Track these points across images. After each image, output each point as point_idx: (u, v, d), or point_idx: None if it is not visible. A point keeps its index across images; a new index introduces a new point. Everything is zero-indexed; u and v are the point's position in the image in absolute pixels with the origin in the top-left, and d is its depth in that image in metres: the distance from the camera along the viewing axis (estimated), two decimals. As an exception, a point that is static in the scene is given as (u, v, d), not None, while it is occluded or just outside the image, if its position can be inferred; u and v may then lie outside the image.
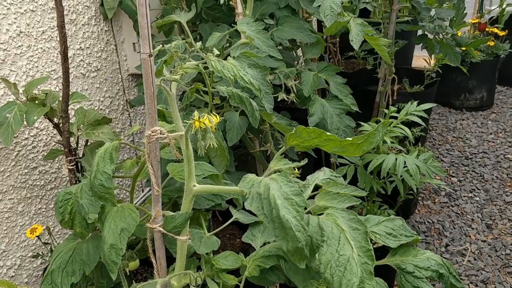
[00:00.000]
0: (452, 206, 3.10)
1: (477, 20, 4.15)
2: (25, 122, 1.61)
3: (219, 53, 1.19)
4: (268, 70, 1.45)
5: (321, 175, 1.05)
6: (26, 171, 1.97)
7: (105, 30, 2.34)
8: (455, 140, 3.83)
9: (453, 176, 3.39)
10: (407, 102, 3.24)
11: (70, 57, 2.15)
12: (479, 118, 4.14)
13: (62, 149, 1.81)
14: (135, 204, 1.13)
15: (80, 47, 2.20)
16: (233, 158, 1.71)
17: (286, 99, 1.74)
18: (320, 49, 1.90)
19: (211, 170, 1.19)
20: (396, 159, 1.92)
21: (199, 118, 0.92)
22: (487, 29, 4.11)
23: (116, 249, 0.99)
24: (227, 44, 1.76)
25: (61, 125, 1.75)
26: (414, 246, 1.12)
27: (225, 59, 1.60)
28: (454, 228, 2.91)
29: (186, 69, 1.01)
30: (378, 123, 2.25)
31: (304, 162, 0.95)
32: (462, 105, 4.25)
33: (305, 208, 0.83)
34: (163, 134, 0.97)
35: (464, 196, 3.19)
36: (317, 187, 1.07)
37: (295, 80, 1.79)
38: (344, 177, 1.96)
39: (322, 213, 0.90)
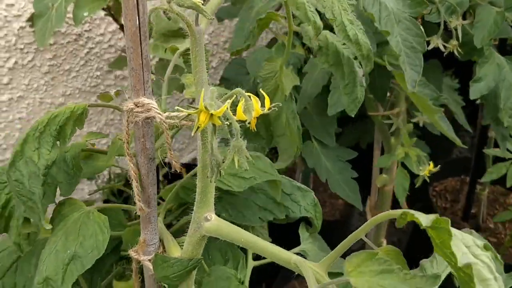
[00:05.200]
0: None
1: None
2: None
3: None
4: (425, 3, 0.84)
5: None
6: (98, 73, 1.61)
7: None
8: None
9: None
10: None
11: None
12: None
13: (130, 58, 1.39)
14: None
15: None
16: (335, 124, 1.16)
17: (443, 48, 1.11)
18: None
19: (268, 169, 0.68)
20: None
21: (205, 105, 0.41)
22: None
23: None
24: None
25: (128, 28, 1.33)
26: None
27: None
28: None
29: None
30: None
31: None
32: None
33: None
34: (150, 111, 0.47)
35: None
36: None
37: (464, 19, 1.13)
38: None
39: None
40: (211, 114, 0.42)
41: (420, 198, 1.72)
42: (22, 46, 1.42)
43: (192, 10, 0.51)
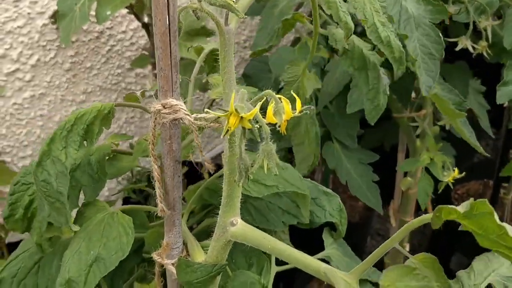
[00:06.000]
0: None
1: None
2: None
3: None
4: (446, 11, 0.81)
5: (502, 267, 0.48)
6: (119, 71, 1.61)
7: None
8: None
9: None
10: None
11: None
12: None
13: (152, 57, 1.39)
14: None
15: None
16: (357, 125, 1.14)
17: (472, 49, 1.08)
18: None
19: (295, 182, 0.66)
20: None
21: (236, 108, 0.40)
22: None
23: (75, 290, 0.56)
24: None
25: (150, 26, 1.32)
26: None
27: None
28: None
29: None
30: None
31: None
32: None
33: None
34: (178, 112, 0.46)
35: None
36: None
37: (494, 19, 1.11)
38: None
39: None
40: (241, 117, 0.41)
41: (441, 201, 1.69)
42: (44, 43, 1.43)
43: (221, 9, 0.50)
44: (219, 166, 0.73)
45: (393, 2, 0.82)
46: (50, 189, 0.54)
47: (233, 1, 0.45)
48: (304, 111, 0.45)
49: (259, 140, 0.42)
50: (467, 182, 1.84)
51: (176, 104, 0.48)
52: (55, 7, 1.38)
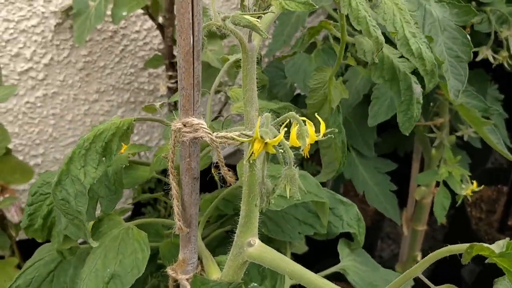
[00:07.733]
0: None
1: None
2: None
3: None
4: (474, 13, 0.79)
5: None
6: (132, 70, 1.61)
7: None
8: None
9: None
10: None
11: None
12: None
13: (166, 59, 1.38)
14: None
15: None
16: (374, 134, 1.12)
17: (492, 59, 1.06)
18: None
19: (313, 190, 0.65)
20: None
21: (261, 134, 0.39)
22: None
23: (93, 308, 0.55)
24: None
25: (164, 27, 1.32)
26: None
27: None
28: None
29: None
30: None
31: None
32: None
33: None
34: (198, 131, 0.45)
35: None
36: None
37: None
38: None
39: None
40: (266, 143, 0.40)
41: (453, 207, 1.67)
42: (58, 42, 1.42)
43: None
44: (230, 167, 0.72)
45: (417, 5, 0.80)
46: (69, 208, 0.53)
47: (257, 21, 0.44)
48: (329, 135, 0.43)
49: (284, 165, 0.41)
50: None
51: (197, 123, 0.47)
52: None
